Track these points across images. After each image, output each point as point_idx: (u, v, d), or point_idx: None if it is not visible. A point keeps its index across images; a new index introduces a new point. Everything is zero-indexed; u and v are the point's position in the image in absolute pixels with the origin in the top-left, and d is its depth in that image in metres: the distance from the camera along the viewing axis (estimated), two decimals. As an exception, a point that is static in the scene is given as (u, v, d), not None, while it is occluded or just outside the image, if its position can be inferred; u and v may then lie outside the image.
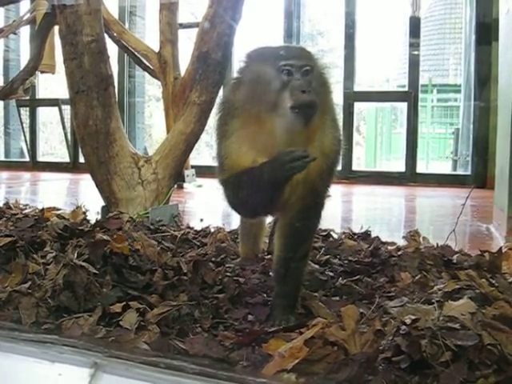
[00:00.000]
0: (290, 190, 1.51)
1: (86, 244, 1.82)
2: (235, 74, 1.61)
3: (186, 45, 5.82)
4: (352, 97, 7.51)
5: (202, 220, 3.16)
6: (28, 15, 6.27)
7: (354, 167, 7.44)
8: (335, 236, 2.47)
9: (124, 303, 1.52)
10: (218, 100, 1.62)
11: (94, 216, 2.66)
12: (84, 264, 1.64)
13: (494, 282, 1.66)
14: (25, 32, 7.96)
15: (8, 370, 1.02)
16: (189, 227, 2.71)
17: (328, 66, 1.62)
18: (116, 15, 7.06)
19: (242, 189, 1.53)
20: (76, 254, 1.73)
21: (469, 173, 7.25)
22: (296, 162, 1.39)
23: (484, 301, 1.43)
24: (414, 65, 7.46)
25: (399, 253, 2.12)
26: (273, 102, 1.44)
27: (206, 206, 4.69)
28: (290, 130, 1.44)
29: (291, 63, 1.46)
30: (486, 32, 6.86)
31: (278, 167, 1.42)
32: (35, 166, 9.41)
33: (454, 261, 2.02)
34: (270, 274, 1.83)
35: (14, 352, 1.05)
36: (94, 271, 1.64)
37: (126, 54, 7.05)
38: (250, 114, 1.51)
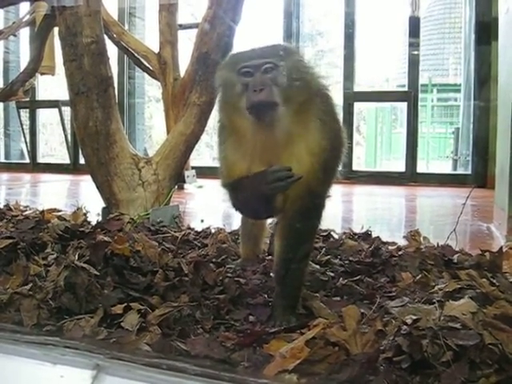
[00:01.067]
0: (285, 191, 1.52)
1: (86, 245, 1.82)
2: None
3: (186, 46, 5.82)
4: (352, 97, 7.51)
5: (202, 221, 3.16)
6: (28, 17, 6.29)
7: (354, 167, 7.44)
8: (336, 236, 2.47)
9: (125, 304, 1.52)
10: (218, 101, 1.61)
11: (94, 217, 2.66)
12: (85, 265, 1.64)
13: (494, 281, 1.66)
14: (24, 34, 7.97)
15: (10, 372, 1.02)
16: (189, 228, 2.71)
17: (306, 58, 1.59)
18: (116, 16, 7.08)
19: (237, 196, 1.58)
20: (77, 256, 1.73)
21: (469, 172, 7.25)
22: (279, 182, 1.42)
23: (485, 300, 1.43)
24: (413, 64, 7.46)
25: (400, 253, 2.13)
26: (239, 105, 1.45)
27: (206, 207, 4.69)
28: (257, 131, 1.45)
29: (250, 64, 1.45)
30: (485, 31, 6.86)
31: (261, 186, 1.45)
32: (35, 167, 9.42)
33: (455, 260, 2.02)
34: (271, 274, 1.83)
35: (15, 354, 1.05)
36: (95, 273, 1.64)
37: (125, 56, 7.05)
38: (229, 121, 1.55)
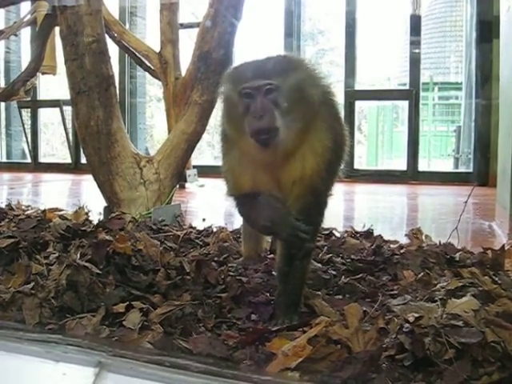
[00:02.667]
0: (288, 189, 1.54)
1: (88, 244, 1.82)
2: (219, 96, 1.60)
3: (187, 45, 5.82)
4: (353, 95, 7.51)
5: (204, 220, 3.16)
6: (29, 16, 6.29)
7: (356, 166, 7.44)
8: (338, 235, 2.47)
9: (127, 303, 1.52)
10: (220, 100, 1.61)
11: (96, 216, 2.66)
12: (87, 264, 1.64)
13: (496, 279, 1.66)
14: (25, 33, 7.97)
15: (13, 369, 1.02)
16: (191, 227, 2.70)
17: (315, 67, 1.58)
18: (117, 16, 7.08)
19: (246, 211, 1.61)
20: (79, 255, 1.73)
21: (471, 170, 7.25)
22: (295, 237, 1.44)
23: (487, 298, 1.43)
24: (414, 63, 7.46)
25: (402, 251, 2.13)
26: (241, 126, 1.45)
27: (208, 206, 4.69)
28: (260, 154, 1.46)
29: (250, 86, 1.43)
30: (486, 29, 6.85)
31: (277, 227, 1.47)
32: (37, 167, 9.43)
33: (457, 259, 2.02)
34: (273, 273, 1.83)
35: (18, 352, 1.05)
36: (97, 271, 1.64)
37: (126, 55, 7.06)
38: (233, 136, 1.55)
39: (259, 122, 1.39)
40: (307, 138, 1.50)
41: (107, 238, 1.85)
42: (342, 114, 1.77)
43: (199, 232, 2.56)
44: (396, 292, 1.69)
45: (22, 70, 5.65)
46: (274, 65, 1.47)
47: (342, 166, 1.73)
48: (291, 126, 1.44)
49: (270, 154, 1.46)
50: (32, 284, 1.65)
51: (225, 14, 2.88)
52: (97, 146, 2.83)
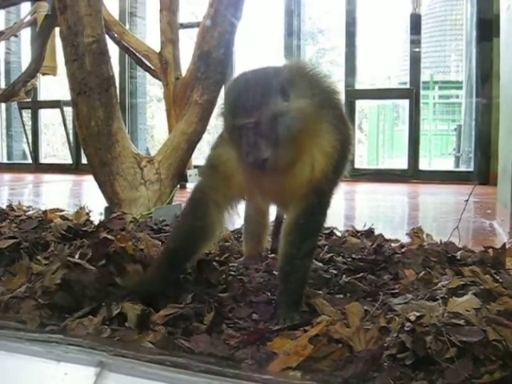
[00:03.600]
0: (294, 189, 1.55)
1: (88, 244, 1.82)
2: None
3: (187, 45, 5.82)
4: (354, 94, 7.51)
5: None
6: (29, 17, 6.29)
7: (357, 165, 7.44)
8: (339, 234, 2.47)
9: (127, 303, 1.52)
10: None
11: (97, 217, 2.66)
12: (80, 261, 1.63)
13: (498, 277, 1.65)
14: (26, 34, 7.97)
15: (14, 370, 1.02)
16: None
17: (310, 72, 1.62)
18: (116, 16, 7.08)
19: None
20: (78, 254, 1.73)
21: (471, 169, 7.25)
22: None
23: (488, 297, 1.43)
24: (415, 62, 7.46)
25: (403, 250, 2.12)
26: (238, 149, 1.52)
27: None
28: (260, 173, 1.53)
29: (237, 123, 1.48)
30: (487, 28, 6.85)
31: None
32: (38, 167, 9.43)
33: (458, 257, 2.02)
34: (274, 272, 1.83)
35: (19, 352, 1.05)
36: (90, 267, 1.63)
37: (127, 55, 7.06)
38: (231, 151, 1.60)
39: (248, 158, 1.47)
40: (311, 143, 1.52)
41: (108, 237, 1.84)
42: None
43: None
44: (397, 291, 1.69)
45: (23, 70, 5.65)
46: (252, 97, 1.49)
47: (347, 166, 1.74)
48: (282, 148, 1.48)
49: (271, 172, 1.52)
50: (25, 287, 1.63)
51: (225, 13, 2.88)
52: (97, 147, 2.83)
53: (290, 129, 1.48)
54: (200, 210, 1.65)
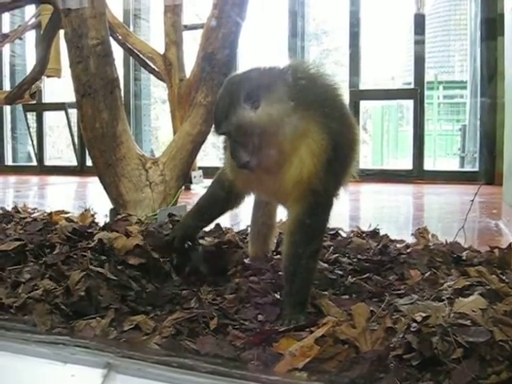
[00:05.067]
0: (288, 191, 1.56)
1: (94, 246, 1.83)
2: None
3: (191, 47, 5.83)
4: (358, 95, 7.50)
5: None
6: (33, 20, 6.30)
7: (361, 166, 7.40)
8: (344, 235, 2.46)
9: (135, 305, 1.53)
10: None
11: (102, 219, 2.66)
12: (101, 270, 1.65)
13: (504, 277, 1.65)
14: (30, 37, 7.99)
15: (21, 371, 1.02)
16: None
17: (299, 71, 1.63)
18: (121, 18, 7.09)
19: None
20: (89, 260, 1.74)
21: (476, 169, 7.23)
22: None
23: (495, 297, 1.43)
24: (419, 62, 7.45)
25: (408, 250, 2.12)
26: None
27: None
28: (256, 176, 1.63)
29: (216, 133, 1.60)
30: (491, 27, 6.84)
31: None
32: (42, 169, 9.46)
33: (464, 257, 2.01)
34: (280, 273, 1.83)
35: (26, 353, 1.05)
36: (112, 277, 1.65)
37: (131, 57, 7.07)
38: None
39: (234, 161, 1.58)
40: (300, 142, 1.52)
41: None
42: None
43: (205, 233, 2.56)
44: (403, 291, 1.69)
45: (27, 73, 5.66)
46: (221, 109, 1.57)
47: (354, 166, 1.74)
48: (261, 153, 1.53)
49: (261, 171, 1.60)
50: (41, 289, 1.64)
51: (229, 14, 2.88)
52: (102, 148, 2.83)
53: (260, 135, 1.51)
54: (222, 188, 1.83)
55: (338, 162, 1.59)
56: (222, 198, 1.85)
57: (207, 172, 6.21)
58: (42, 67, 5.04)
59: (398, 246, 2.24)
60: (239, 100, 1.51)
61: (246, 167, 1.55)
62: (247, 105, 1.50)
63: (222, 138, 1.69)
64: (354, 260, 2.05)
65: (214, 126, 1.61)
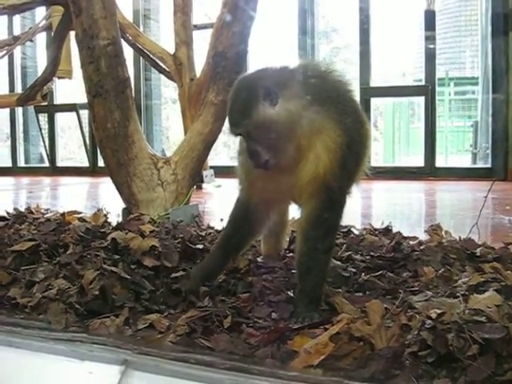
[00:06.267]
0: (302, 189, 1.56)
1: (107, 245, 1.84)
2: None
3: (201, 46, 5.84)
4: (368, 92, 7.48)
5: (222, 220, 3.15)
6: (44, 22, 6.33)
7: (373, 163, 7.37)
8: (356, 232, 2.45)
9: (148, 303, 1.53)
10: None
11: (114, 218, 2.67)
12: (116, 269, 1.66)
13: (519, 274, 1.64)
14: (41, 39, 8.04)
15: (38, 369, 1.03)
16: (210, 227, 2.71)
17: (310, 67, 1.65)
18: (130, 19, 7.12)
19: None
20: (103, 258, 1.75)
21: (489, 166, 7.18)
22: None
23: (510, 293, 1.42)
24: (430, 58, 7.41)
25: (421, 247, 2.11)
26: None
27: (225, 206, 4.69)
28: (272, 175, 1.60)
29: (234, 133, 1.57)
30: (502, 23, 6.79)
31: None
32: (55, 170, 9.51)
33: (478, 254, 2.00)
34: (293, 271, 1.83)
35: (44, 351, 1.06)
36: (126, 276, 1.66)
37: (141, 57, 7.09)
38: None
39: (252, 161, 1.54)
40: (318, 137, 1.52)
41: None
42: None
43: (218, 232, 2.56)
44: (417, 288, 1.68)
45: (39, 75, 5.69)
46: (238, 108, 1.55)
47: (366, 163, 1.74)
48: (280, 150, 1.52)
49: (277, 170, 1.56)
50: (56, 289, 1.66)
51: (239, 13, 2.88)
52: (114, 148, 2.84)
53: (280, 132, 1.51)
54: (242, 214, 1.78)
55: (351, 159, 1.59)
56: (243, 220, 1.78)
57: (218, 171, 6.23)
58: (54, 68, 5.07)
59: (411, 242, 2.22)
60: (258, 97, 1.50)
61: (265, 166, 1.52)
62: (266, 102, 1.50)
63: (238, 138, 1.65)
64: (367, 257, 2.04)
65: (230, 126, 1.57)
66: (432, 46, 7.40)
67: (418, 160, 7.79)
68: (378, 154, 10.23)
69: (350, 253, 2.08)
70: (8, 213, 2.87)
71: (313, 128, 1.52)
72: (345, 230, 2.42)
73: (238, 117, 1.53)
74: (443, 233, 2.32)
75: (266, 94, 1.50)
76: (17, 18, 8.96)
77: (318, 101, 1.54)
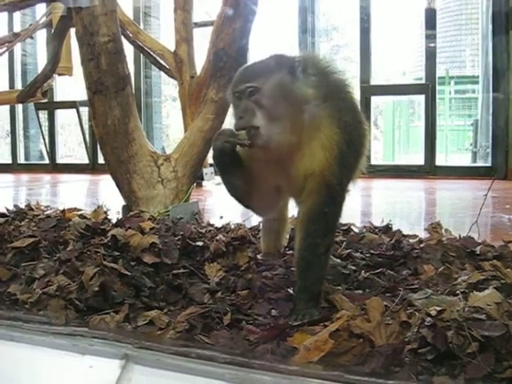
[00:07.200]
0: (300, 185, 1.56)
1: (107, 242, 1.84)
2: None
3: (201, 44, 5.84)
4: (369, 91, 7.48)
5: (221, 217, 3.16)
6: (44, 19, 6.33)
7: (373, 161, 7.40)
8: (356, 230, 2.45)
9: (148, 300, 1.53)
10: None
11: (114, 215, 2.67)
12: (115, 266, 1.66)
13: (519, 271, 1.64)
14: (41, 35, 8.04)
15: (39, 363, 1.03)
16: (210, 224, 2.71)
17: (319, 64, 1.64)
18: (131, 16, 7.12)
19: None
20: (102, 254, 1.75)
21: (489, 164, 7.18)
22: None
23: (510, 291, 1.42)
24: (430, 57, 7.41)
25: (421, 245, 2.11)
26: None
27: (225, 204, 4.69)
28: (255, 153, 1.57)
29: (237, 89, 1.54)
30: (503, 21, 6.78)
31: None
32: (54, 168, 9.52)
33: (478, 252, 2.00)
34: (292, 268, 1.83)
35: (44, 345, 1.06)
36: (126, 272, 1.66)
37: (141, 55, 7.09)
38: None
39: (239, 122, 1.50)
40: (313, 133, 1.53)
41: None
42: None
43: (218, 229, 2.57)
44: (416, 286, 1.68)
45: (39, 72, 5.69)
46: (259, 67, 1.58)
47: (363, 162, 1.74)
48: (276, 124, 1.50)
49: (266, 152, 1.55)
50: (56, 285, 1.66)
51: (239, 10, 2.88)
52: (114, 145, 2.84)
53: (290, 106, 1.52)
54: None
55: (350, 156, 1.59)
56: None
57: (218, 169, 6.21)
58: (54, 66, 5.06)
59: (411, 240, 2.22)
60: (284, 67, 1.53)
61: (250, 134, 1.48)
62: (289, 75, 1.53)
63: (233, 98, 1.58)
64: (367, 255, 2.04)
65: (238, 82, 1.56)
66: (432, 45, 7.40)
67: (418, 158, 7.80)
68: (378, 153, 10.23)
69: (349, 250, 2.08)
70: (8, 209, 2.86)
71: (315, 120, 1.53)
72: (345, 227, 2.42)
73: (257, 72, 1.55)
74: (443, 231, 2.32)
75: (291, 68, 1.53)
76: (17, 15, 8.96)
77: (325, 96, 1.56)
